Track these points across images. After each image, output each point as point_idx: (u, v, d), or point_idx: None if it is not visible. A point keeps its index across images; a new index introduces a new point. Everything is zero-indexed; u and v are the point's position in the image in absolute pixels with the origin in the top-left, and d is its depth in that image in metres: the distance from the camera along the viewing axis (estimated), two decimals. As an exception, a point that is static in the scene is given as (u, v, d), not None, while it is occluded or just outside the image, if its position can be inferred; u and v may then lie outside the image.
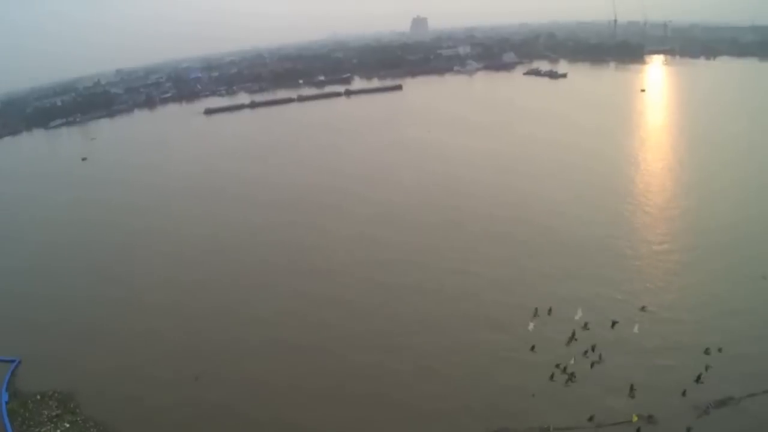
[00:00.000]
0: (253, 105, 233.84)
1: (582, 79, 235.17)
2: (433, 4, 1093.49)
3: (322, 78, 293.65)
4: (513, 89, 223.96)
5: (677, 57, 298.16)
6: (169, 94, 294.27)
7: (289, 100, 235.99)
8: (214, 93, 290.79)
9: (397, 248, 76.75)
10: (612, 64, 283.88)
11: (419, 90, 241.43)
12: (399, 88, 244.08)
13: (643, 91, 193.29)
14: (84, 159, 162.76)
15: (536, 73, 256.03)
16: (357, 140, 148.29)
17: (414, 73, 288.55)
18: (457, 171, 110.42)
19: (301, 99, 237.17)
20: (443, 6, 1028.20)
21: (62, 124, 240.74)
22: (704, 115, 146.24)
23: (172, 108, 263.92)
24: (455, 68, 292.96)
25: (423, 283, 66.61)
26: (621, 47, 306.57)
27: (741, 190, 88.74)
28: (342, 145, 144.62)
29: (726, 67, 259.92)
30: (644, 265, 66.72)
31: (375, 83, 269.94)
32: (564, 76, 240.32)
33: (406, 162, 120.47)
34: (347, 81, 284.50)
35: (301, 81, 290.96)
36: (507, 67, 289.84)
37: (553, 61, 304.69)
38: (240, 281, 72.18)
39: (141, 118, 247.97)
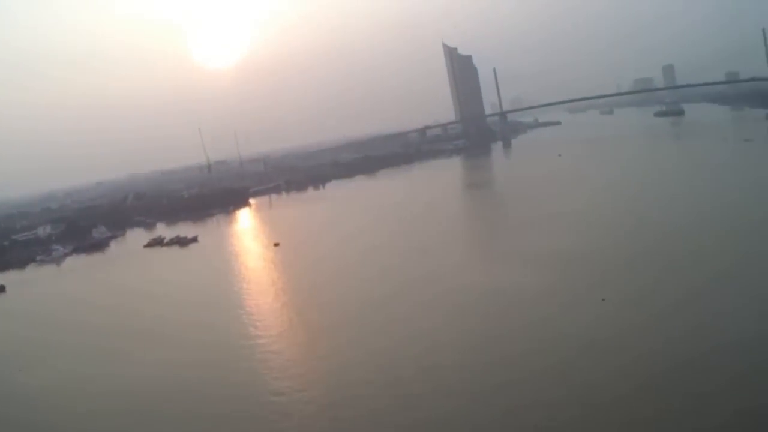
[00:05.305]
0: None
1: (213, 244, 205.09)
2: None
3: None
4: (137, 277, 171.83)
5: (284, 193, 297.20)
6: None
7: None
8: None
9: None
10: (217, 216, 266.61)
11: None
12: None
13: (276, 245, 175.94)
14: None
15: (160, 242, 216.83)
16: None
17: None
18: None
19: None
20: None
21: None
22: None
23: None
24: (38, 257, 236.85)
25: None
26: (224, 194, 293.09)
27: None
28: None
29: (335, 193, 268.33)
30: None
31: None
32: (195, 240, 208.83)
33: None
34: None
35: None
36: (100, 245, 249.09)
37: (151, 226, 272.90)
38: None
39: None
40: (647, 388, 55.52)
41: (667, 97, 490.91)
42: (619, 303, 77.14)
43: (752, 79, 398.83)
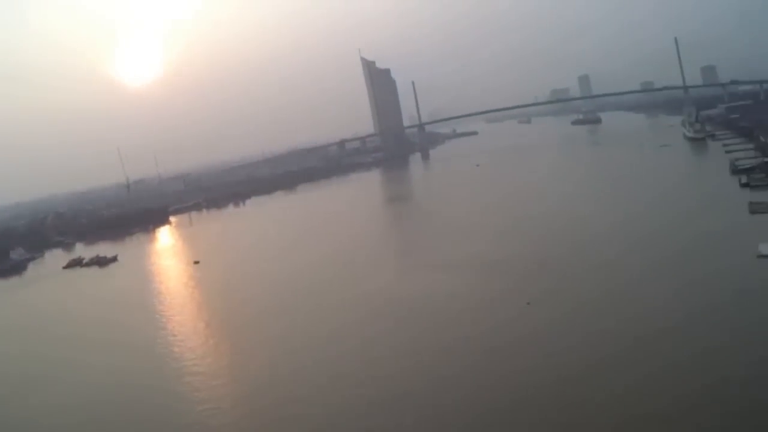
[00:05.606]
0: None
1: (133, 263, 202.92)
2: None
3: None
4: (55, 299, 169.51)
5: (204, 211, 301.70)
6: None
7: None
8: None
9: None
10: (137, 235, 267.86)
11: None
12: None
13: (196, 262, 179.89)
14: None
15: (79, 263, 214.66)
16: None
17: None
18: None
19: None
20: None
21: None
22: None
23: None
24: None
25: None
26: (144, 213, 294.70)
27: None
28: None
29: (255, 210, 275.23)
30: None
31: None
32: (115, 259, 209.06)
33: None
34: None
35: None
36: (18, 268, 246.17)
37: (69, 246, 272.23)
38: None
39: None
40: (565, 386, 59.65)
41: (583, 107, 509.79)
42: (542, 306, 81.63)
43: (666, 88, 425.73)
